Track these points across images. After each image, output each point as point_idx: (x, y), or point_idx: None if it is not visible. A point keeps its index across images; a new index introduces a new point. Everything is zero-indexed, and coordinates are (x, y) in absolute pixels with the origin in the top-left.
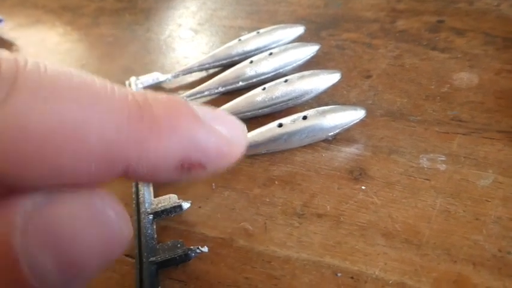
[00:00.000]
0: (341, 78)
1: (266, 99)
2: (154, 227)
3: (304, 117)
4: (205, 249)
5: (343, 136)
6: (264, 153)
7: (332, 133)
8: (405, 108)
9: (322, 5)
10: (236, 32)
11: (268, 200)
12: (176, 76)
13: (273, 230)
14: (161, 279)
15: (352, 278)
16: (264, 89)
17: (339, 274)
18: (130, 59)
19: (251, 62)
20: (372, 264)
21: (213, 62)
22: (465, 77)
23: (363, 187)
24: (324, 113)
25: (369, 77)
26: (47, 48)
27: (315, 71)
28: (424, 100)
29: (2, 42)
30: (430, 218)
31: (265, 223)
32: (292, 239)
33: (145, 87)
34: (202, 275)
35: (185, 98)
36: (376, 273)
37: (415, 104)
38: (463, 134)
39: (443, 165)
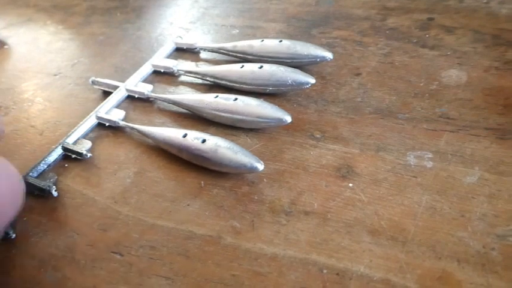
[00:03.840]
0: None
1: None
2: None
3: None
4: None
5: (332, 134)
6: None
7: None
8: (394, 105)
9: (314, 2)
10: (228, 30)
11: (256, 197)
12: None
13: (260, 227)
14: (147, 276)
15: (337, 274)
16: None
17: (325, 271)
18: (122, 57)
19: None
20: (357, 261)
21: (231, 51)
22: (454, 75)
23: (350, 184)
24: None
25: (358, 74)
26: (38, 47)
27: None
28: (413, 98)
29: None
30: (415, 215)
31: (252, 221)
32: (279, 236)
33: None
34: (189, 272)
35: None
36: (362, 270)
37: (403, 101)
38: (451, 131)
39: (430, 163)
